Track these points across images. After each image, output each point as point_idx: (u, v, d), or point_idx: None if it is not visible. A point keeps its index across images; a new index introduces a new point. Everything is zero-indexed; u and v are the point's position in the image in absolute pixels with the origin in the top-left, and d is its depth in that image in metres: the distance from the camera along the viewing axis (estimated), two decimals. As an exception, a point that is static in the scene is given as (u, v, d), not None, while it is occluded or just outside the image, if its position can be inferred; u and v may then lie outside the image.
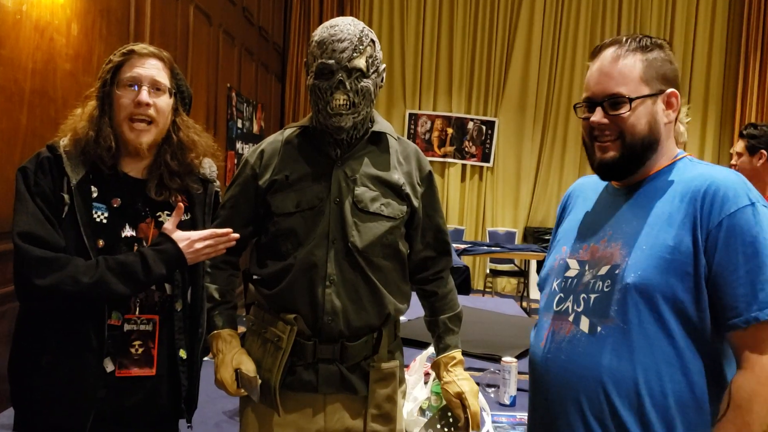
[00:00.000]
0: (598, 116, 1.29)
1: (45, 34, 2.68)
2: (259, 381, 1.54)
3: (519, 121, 7.96)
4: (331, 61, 1.49)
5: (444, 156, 7.98)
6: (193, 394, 1.63)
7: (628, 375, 1.21)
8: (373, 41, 1.55)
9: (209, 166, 1.66)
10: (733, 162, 3.06)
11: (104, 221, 1.48)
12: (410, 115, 7.95)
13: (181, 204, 1.54)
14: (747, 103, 7.61)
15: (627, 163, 1.30)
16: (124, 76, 1.50)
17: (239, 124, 5.63)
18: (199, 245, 1.50)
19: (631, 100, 1.27)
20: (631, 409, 1.20)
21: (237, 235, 1.56)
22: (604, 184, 1.41)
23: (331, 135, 1.56)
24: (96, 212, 1.47)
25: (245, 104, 5.78)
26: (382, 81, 1.60)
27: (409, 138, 7.61)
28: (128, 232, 1.51)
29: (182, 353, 1.57)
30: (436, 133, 7.99)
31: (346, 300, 1.55)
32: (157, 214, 1.55)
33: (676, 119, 1.33)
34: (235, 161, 5.43)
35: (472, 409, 1.60)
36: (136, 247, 1.50)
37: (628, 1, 7.78)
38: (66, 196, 1.45)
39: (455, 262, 4.48)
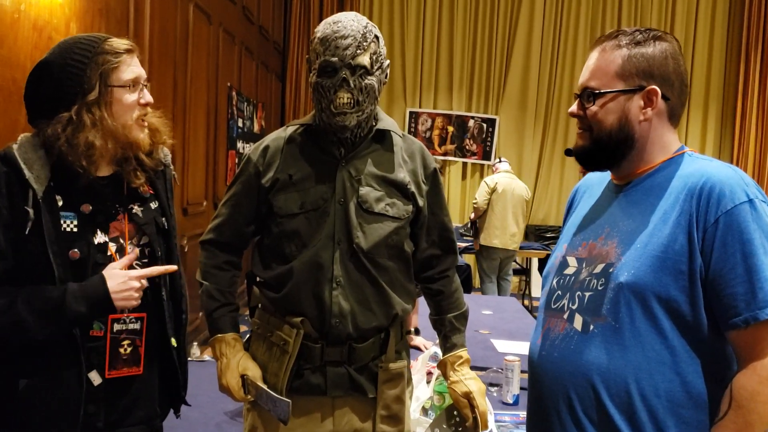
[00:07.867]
0: (573, 107, 1.33)
1: (43, 33, 2.66)
2: (265, 386, 1.51)
3: (520, 119, 7.95)
4: (335, 59, 1.46)
5: (445, 154, 7.96)
6: (186, 381, 1.60)
7: (618, 373, 1.20)
8: (377, 37, 1.53)
9: (162, 149, 1.58)
10: None
11: (74, 230, 1.39)
12: (411, 113, 7.94)
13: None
14: (748, 100, 7.60)
15: (597, 154, 1.31)
16: (124, 77, 1.43)
17: (240, 124, 5.62)
18: (134, 283, 1.38)
19: (598, 94, 1.27)
20: (620, 407, 1.19)
21: (174, 267, 1.48)
22: (608, 180, 1.40)
23: (334, 134, 1.54)
24: (64, 221, 1.38)
25: (246, 103, 5.78)
26: (386, 77, 1.57)
27: (409, 136, 7.61)
28: (101, 238, 1.43)
29: (173, 341, 1.54)
30: (436, 132, 7.97)
31: (353, 302, 1.53)
32: (129, 207, 1.49)
33: (674, 114, 1.30)
34: (236, 160, 5.43)
35: (481, 408, 1.60)
36: (113, 249, 1.44)
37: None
38: (31, 210, 1.34)
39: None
